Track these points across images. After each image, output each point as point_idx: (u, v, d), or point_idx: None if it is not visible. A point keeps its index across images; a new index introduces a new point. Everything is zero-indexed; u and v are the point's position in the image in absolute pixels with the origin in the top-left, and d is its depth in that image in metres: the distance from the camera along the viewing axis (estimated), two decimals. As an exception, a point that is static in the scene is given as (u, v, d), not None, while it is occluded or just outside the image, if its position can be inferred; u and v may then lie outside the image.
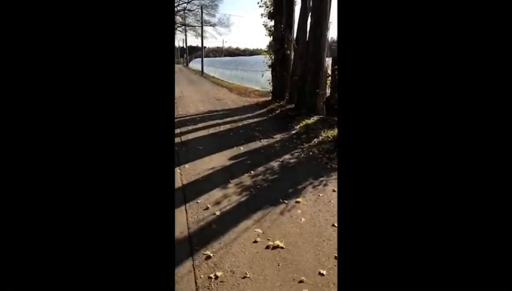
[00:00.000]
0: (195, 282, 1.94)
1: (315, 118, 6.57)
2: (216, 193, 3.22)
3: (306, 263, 2.10)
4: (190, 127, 6.28)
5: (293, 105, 8.04)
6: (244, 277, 1.97)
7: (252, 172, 3.82)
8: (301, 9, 7.81)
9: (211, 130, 6.10)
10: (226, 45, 55.34)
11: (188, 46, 45.24)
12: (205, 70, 25.09)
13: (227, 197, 3.14)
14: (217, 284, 1.92)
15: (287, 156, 4.47)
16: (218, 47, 55.47)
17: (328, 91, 7.02)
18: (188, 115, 7.64)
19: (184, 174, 3.76)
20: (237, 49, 58.22)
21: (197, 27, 24.74)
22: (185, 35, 34.87)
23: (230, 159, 4.37)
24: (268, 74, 9.89)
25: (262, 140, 5.36)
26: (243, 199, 3.10)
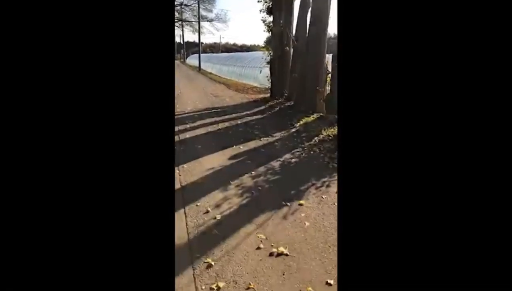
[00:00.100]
0: (196, 294, 1.84)
1: (315, 116, 6.47)
2: (216, 195, 3.12)
3: (312, 272, 2.00)
4: (188, 126, 6.16)
5: (292, 103, 7.93)
6: (248, 288, 1.86)
7: (252, 172, 3.72)
8: (300, 4, 7.67)
9: (210, 129, 5.98)
10: (223, 41, 54.86)
11: (185, 42, 44.83)
12: (202, 66, 24.87)
13: (227, 199, 3.04)
14: (219, 296, 1.83)
15: (287, 155, 4.37)
16: (215, 43, 55.00)
17: (328, 88, 6.90)
18: (186, 113, 7.50)
19: (182, 175, 3.65)
20: (234, 45, 57.77)
21: (194, 23, 24.49)
22: (182, 30, 34.58)
23: (230, 158, 4.26)
24: (266, 70, 9.75)
25: (261, 139, 5.25)
26: (244, 202, 3.00)
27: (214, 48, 51.45)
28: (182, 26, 29.66)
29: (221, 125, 6.22)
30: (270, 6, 8.83)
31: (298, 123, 6.13)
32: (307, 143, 4.90)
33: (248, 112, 7.65)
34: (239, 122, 6.58)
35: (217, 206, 2.90)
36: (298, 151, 4.57)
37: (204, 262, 2.09)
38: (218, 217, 2.70)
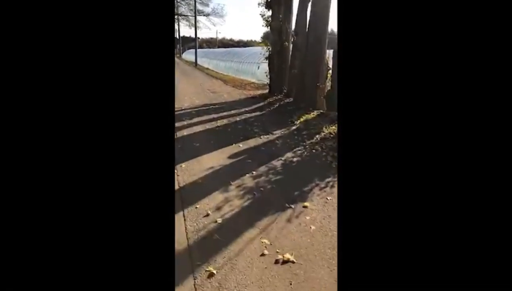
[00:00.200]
0: (198, 306, 1.71)
1: (315, 113, 6.34)
2: (217, 196, 2.99)
3: (321, 281, 1.88)
4: (185, 123, 6.00)
5: (291, 99, 7.79)
6: (254, 300, 1.74)
7: (253, 172, 3.59)
8: (300, -2, 7.50)
9: (208, 126, 5.83)
10: (220, 36, 54.28)
11: (181, 37, 44.28)
12: (198, 62, 24.54)
13: (228, 201, 2.91)
14: (223, 308, 1.70)
15: (289, 154, 4.24)
16: (212, 38, 54.37)
17: (328, 84, 6.77)
18: (183, 109, 7.34)
19: (181, 175, 3.51)
20: (231, 40, 57.19)
21: (190, 17, 24.14)
22: (178, 25, 34.17)
23: (230, 157, 4.13)
24: (265, 66, 9.58)
25: (261, 136, 5.12)
26: (246, 204, 2.87)
27: (211, 43, 50.95)
28: (178, 21, 29.29)
29: (219, 123, 6.07)
30: (269, 0, 8.64)
31: (299, 121, 6.00)
32: (309, 141, 4.78)
33: (246, 109, 7.50)
34: (237, 119, 6.42)
35: (218, 208, 2.77)
36: (299, 149, 4.45)
37: (206, 271, 1.96)
38: (219, 220, 2.57)
